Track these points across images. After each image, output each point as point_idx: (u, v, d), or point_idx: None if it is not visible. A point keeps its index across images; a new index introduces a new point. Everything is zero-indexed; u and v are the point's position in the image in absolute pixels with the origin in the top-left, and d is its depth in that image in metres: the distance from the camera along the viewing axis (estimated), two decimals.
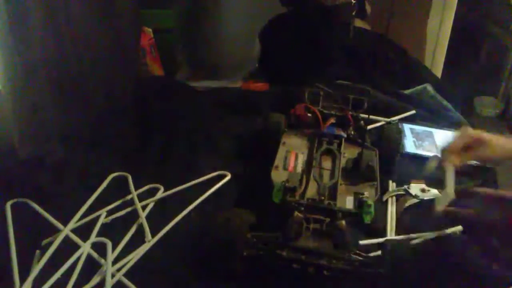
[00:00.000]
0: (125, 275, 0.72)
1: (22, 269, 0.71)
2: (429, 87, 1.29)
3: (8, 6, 0.86)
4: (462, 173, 0.81)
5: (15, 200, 0.84)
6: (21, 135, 0.94)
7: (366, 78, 1.30)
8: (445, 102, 1.25)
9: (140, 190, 0.90)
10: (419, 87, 1.30)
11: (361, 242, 0.75)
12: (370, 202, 0.70)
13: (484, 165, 0.95)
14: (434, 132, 1.12)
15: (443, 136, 1.11)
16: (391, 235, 0.81)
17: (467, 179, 0.93)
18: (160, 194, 0.89)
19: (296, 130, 0.94)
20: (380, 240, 0.78)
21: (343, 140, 0.90)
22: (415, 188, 0.89)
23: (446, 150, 0.80)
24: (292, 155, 0.87)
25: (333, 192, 0.76)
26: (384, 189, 0.91)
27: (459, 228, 0.83)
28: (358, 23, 1.47)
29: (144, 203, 0.86)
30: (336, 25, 1.33)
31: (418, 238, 0.80)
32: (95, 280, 0.70)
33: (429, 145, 1.07)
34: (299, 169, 0.84)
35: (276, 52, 1.34)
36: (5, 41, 0.87)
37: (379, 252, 0.74)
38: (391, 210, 0.87)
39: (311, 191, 0.77)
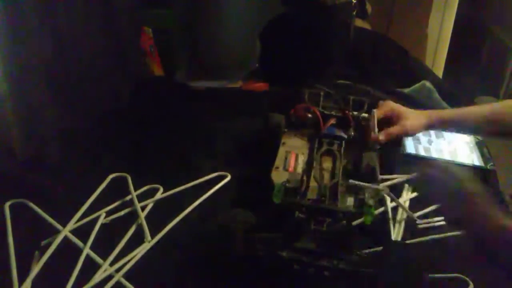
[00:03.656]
0: (124, 275, 0.71)
1: (21, 270, 0.71)
2: (427, 83, 1.29)
3: (7, 7, 0.86)
4: None
5: (14, 200, 0.84)
6: (21, 135, 0.94)
7: (367, 78, 1.30)
8: (444, 105, 1.24)
9: (140, 191, 0.89)
10: (417, 85, 1.29)
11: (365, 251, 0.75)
12: (370, 202, 0.69)
13: (403, 137, 0.98)
14: (434, 132, 1.12)
15: (443, 137, 1.11)
16: (396, 238, 0.81)
17: None
18: (159, 195, 0.89)
19: (296, 130, 0.94)
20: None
21: (343, 140, 0.89)
22: None
23: (371, 119, 0.90)
24: (292, 156, 0.87)
25: (333, 193, 0.76)
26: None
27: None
28: (359, 23, 1.46)
29: (143, 203, 0.86)
30: (336, 25, 1.32)
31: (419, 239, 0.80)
32: (95, 280, 0.70)
33: (429, 146, 1.07)
34: (300, 169, 0.84)
35: (276, 52, 1.34)
36: (4, 41, 0.87)
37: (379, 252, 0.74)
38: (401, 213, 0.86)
39: (312, 191, 0.76)
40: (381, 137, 0.90)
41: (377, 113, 0.91)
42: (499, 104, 0.99)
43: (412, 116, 0.93)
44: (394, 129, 0.92)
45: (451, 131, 1.03)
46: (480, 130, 0.96)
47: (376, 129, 0.90)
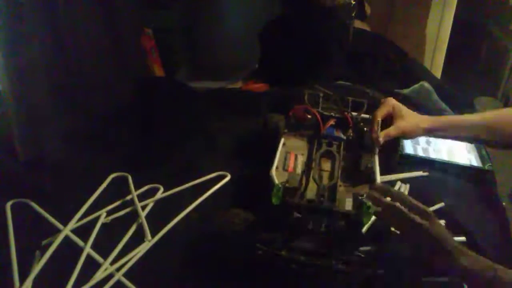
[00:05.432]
0: (124, 274, 0.72)
1: (22, 269, 0.72)
2: (426, 84, 1.29)
3: (8, 7, 0.86)
4: None
5: (15, 200, 0.85)
6: (21, 136, 0.94)
7: (366, 79, 1.30)
8: (443, 106, 1.25)
9: (140, 190, 0.90)
10: (416, 86, 1.30)
11: (362, 248, 0.75)
12: (369, 203, 0.70)
13: (401, 137, 0.94)
14: None
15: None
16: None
17: None
18: (160, 194, 0.89)
19: (296, 131, 0.94)
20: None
21: (342, 141, 0.90)
22: None
23: (372, 122, 0.89)
24: (291, 156, 0.87)
25: (332, 193, 0.76)
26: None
27: (461, 238, 0.83)
28: (358, 24, 1.47)
29: (144, 203, 0.87)
30: (335, 26, 1.33)
31: None
32: (95, 279, 0.71)
33: (428, 146, 1.08)
34: (299, 170, 0.84)
35: (276, 53, 1.35)
36: (5, 41, 0.88)
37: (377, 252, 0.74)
38: None
39: (311, 192, 0.77)
40: (380, 138, 0.88)
41: (379, 113, 0.90)
42: (501, 111, 0.96)
43: (412, 119, 0.91)
44: (391, 130, 0.89)
45: (450, 138, 0.97)
46: (479, 137, 0.93)
47: (379, 130, 0.88)
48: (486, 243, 0.83)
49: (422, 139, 1.09)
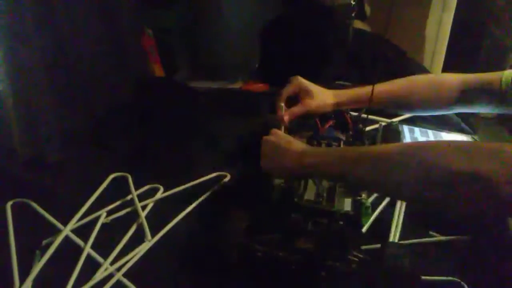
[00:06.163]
0: (124, 274, 0.72)
1: (22, 269, 0.72)
2: None
3: (8, 7, 0.86)
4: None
5: (15, 200, 0.85)
6: (21, 135, 0.94)
7: (366, 79, 1.30)
8: None
9: (140, 190, 0.90)
10: None
11: (363, 247, 0.76)
12: (368, 204, 0.70)
13: (308, 115, 0.93)
14: (432, 133, 1.12)
15: (441, 137, 1.11)
16: (394, 239, 0.81)
17: None
18: (159, 194, 0.89)
19: (295, 132, 0.94)
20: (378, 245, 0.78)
21: (341, 142, 0.90)
22: None
23: (278, 100, 0.89)
24: None
25: (331, 194, 0.76)
26: None
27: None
28: (358, 24, 1.47)
29: (144, 203, 0.87)
30: (335, 26, 1.33)
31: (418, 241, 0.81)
32: (95, 279, 0.71)
33: None
34: None
35: (276, 53, 1.35)
36: (5, 41, 0.88)
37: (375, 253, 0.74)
38: (398, 215, 0.87)
39: (310, 192, 0.77)
40: (286, 117, 0.87)
41: (284, 91, 0.90)
42: (407, 80, 0.95)
43: (318, 96, 0.91)
44: (297, 108, 0.89)
45: (361, 106, 0.96)
46: (387, 108, 0.97)
47: (284, 107, 0.88)
48: (486, 243, 0.83)
49: (421, 136, 1.10)
